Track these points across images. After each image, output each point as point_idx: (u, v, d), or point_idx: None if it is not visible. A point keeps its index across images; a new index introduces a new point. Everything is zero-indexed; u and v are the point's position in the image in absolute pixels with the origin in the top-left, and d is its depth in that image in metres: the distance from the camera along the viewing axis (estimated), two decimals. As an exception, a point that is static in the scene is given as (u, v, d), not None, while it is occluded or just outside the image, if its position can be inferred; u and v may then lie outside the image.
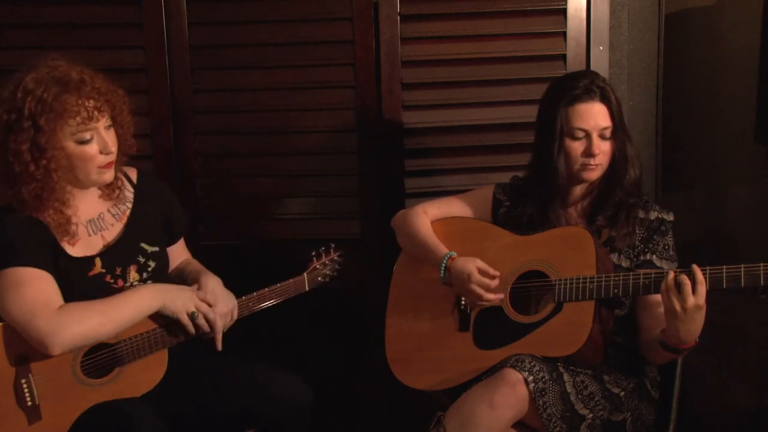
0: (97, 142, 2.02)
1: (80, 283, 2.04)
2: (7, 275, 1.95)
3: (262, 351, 2.36)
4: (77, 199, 2.09)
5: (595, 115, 2.12)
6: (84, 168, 2.03)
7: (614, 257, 2.18)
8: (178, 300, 2.08)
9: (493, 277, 2.15)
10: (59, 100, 1.95)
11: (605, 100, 2.12)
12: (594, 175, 2.16)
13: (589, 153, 2.13)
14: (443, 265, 2.21)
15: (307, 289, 2.31)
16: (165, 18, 2.73)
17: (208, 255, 2.44)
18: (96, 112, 2.00)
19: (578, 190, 2.24)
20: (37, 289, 1.95)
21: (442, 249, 2.24)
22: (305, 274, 2.31)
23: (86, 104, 1.98)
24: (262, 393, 2.16)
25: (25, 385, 1.97)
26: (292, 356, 2.42)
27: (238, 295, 2.21)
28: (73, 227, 2.06)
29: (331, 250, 2.39)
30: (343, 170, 2.83)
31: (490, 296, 2.14)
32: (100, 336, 1.99)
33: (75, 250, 2.06)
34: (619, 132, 2.15)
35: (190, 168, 2.81)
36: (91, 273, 2.07)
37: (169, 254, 2.27)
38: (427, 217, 2.34)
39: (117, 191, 2.17)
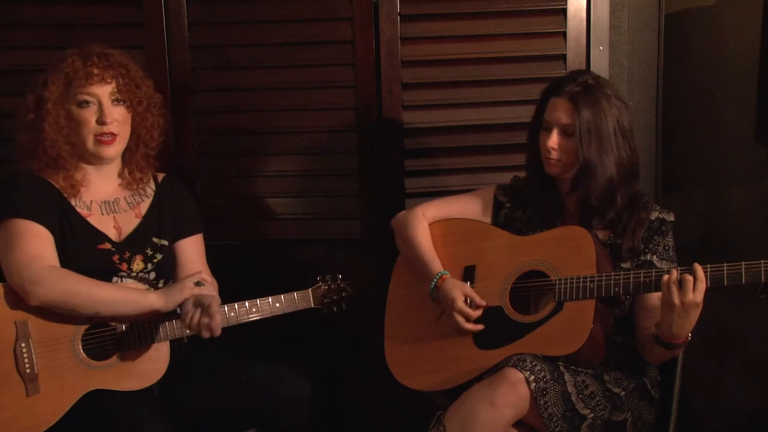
0: (95, 111, 2.12)
1: (91, 252, 2.13)
2: (9, 225, 2.06)
3: (262, 350, 2.36)
4: (92, 176, 2.20)
5: (558, 110, 2.14)
6: (80, 132, 2.13)
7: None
8: (176, 292, 2.14)
9: (477, 307, 2.17)
10: (68, 62, 2.12)
11: (573, 99, 2.13)
12: (552, 170, 2.19)
13: (545, 146, 2.17)
14: (433, 284, 2.23)
15: (312, 304, 2.34)
16: (165, 18, 2.74)
17: (208, 255, 2.43)
18: (96, 78, 2.11)
19: (572, 188, 2.23)
20: (34, 242, 2.06)
21: (436, 266, 2.25)
22: (309, 290, 2.33)
23: (90, 70, 2.11)
24: (261, 389, 2.19)
25: (24, 349, 2.03)
26: (291, 356, 2.42)
27: (238, 296, 2.23)
28: (83, 190, 2.17)
29: (339, 279, 2.40)
30: (343, 170, 2.83)
31: (469, 326, 2.17)
32: (78, 303, 2.03)
33: (90, 221, 2.16)
34: (587, 137, 2.12)
35: (190, 168, 2.81)
36: (101, 247, 2.15)
37: (180, 254, 2.30)
38: (426, 222, 2.33)
39: (139, 183, 2.27)
